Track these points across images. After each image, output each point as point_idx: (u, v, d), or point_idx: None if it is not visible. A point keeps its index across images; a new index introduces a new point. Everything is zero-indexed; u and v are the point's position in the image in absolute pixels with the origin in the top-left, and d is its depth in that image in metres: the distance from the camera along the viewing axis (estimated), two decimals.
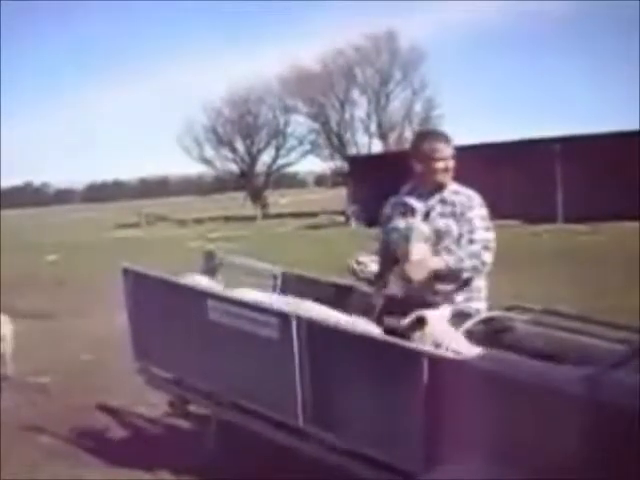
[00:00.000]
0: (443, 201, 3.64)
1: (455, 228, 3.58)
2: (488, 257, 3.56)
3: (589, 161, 19.02)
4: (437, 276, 3.50)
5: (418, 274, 3.43)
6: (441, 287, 3.53)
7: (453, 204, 3.61)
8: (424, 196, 3.68)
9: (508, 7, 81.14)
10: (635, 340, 2.93)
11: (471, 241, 3.55)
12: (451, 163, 3.65)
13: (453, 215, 3.60)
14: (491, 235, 3.61)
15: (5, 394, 5.79)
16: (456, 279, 3.55)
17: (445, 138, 3.68)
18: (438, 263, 3.49)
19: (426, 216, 3.63)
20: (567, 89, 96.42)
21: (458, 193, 3.65)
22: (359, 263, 3.77)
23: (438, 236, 3.56)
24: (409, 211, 3.66)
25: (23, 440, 4.84)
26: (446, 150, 3.64)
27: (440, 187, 3.66)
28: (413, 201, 3.69)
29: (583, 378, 2.61)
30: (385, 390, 3.11)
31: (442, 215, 3.61)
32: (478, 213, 3.60)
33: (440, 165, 3.62)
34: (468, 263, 3.51)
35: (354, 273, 3.79)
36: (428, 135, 3.81)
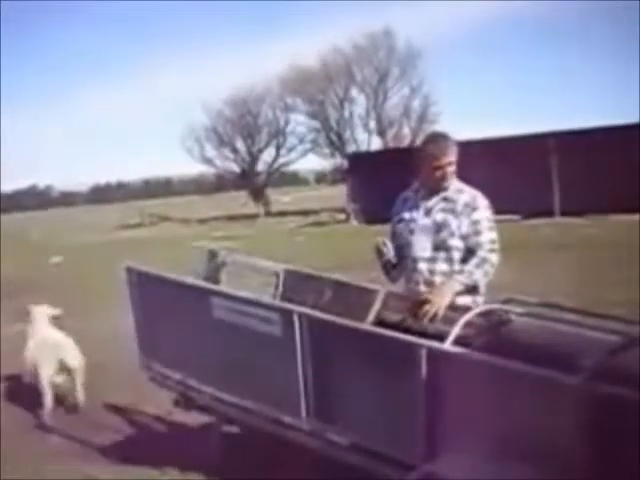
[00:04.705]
0: (445, 199, 3.77)
1: (453, 222, 3.70)
2: (495, 258, 3.68)
3: (584, 155, 18.97)
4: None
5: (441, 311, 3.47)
6: (461, 301, 3.58)
7: (454, 201, 3.75)
8: (428, 194, 3.83)
9: (505, 4, 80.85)
10: (631, 332, 2.96)
11: (478, 244, 3.66)
12: (451, 168, 3.76)
13: (452, 212, 3.73)
14: (495, 235, 3.72)
15: (14, 395, 5.85)
16: (473, 290, 3.67)
17: (445, 145, 3.78)
18: (454, 290, 3.57)
19: (428, 212, 3.77)
20: (564, 84, 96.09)
21: (462, 192, 3.77)
22: (385, 244, 3.90)
23: (437, 229, 3.72)
24: (414, 207, 3.84)
25: (32, 439, 4.91)
26: (444, 158, 3.73)
27: (442, 188, 3.79)
28: (418, 197, 3.86)
29: (580, 369, 2.64)
30: (386, 384, 3.16)
31: (442, 210, 3.75)
32: (484, 215, 3.72)
33: (438, 173, 3.74)
34: (478, 274, 3.63)
35: (378, 251, 3.92)
36: (432, 140, 3.89)
